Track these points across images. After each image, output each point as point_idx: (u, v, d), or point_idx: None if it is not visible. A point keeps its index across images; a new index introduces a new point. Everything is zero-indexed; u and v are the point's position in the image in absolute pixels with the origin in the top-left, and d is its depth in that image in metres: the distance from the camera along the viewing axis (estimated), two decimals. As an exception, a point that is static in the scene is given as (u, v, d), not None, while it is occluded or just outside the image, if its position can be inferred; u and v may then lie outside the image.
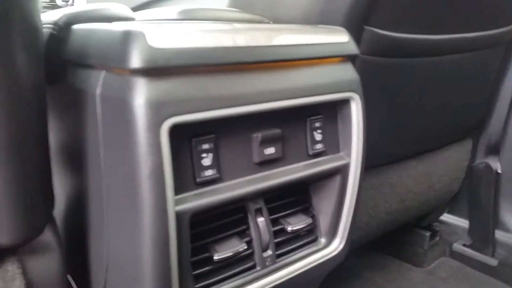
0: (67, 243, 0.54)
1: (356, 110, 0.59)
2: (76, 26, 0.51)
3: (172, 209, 0.42)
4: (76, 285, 0.58)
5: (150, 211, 0.41)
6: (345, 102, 0.58)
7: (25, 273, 0.48)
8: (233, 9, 0.75)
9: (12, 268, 0.48)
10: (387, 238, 1.26)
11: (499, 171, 1.26)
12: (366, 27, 0.72)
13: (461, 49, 0.92)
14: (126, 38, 0.40)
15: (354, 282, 1.22)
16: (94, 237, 0.51)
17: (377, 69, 0.78)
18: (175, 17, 0.68)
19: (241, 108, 0.45)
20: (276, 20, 0.73)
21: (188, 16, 0.68)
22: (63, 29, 0.52)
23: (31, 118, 0.44)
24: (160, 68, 0.40)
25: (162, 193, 0.41)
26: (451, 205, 1.38)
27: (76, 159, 0.50)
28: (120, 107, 0.41)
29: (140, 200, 0.41)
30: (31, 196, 0.45)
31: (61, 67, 0.51)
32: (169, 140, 0.41)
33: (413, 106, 0.94)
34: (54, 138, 0.53)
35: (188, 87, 0.42)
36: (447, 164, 1.20)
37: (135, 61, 0.39)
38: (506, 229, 1.29)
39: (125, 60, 0.39)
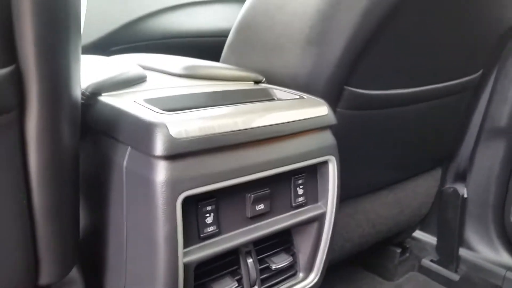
0: (86, 279, 0.64)
1: (333, 169, 0.70)
2: (102, 99, 0.61)
3: (181, 261, 0.53)
4: None
5: (164, 263, 0.52)
6: (324, 162, 0.69)
7: None
8: (230, 66, 0.85)
9: None
10: (361, 253, 1.37)
11: (465, 195, 1.38)
12: (346, 87, 0.83)
13: (431, 97, 1.04)
14: (153, 129, 0.50)
15: (328, 294, 1.34)
16: (112, 277, 0.61)
17: (355, 120, 0.89)
18: (180, 72, 0.78)
19: (239, 179, 0.57)
20: (268, 76, 0.84)
21: (192, 72, 0.78)
22: (90, 98, 0.62)
23: (70, 177, 0.54)
24: (178, 154, 0.51)
25: (174, 250, 0.52)
26: (423, 223, 1.50)
27: (100, 209, 0.61)
28: (144, 181, 0.51)
29: (157, 254, 0.52)
30: (66, 242, 0.56)
31: (86, 131, 0.61)
32: (181, 209, 0.52)
33: (387, 146, 1.05)
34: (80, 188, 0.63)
35: (198, 166, 0.53)
36: (417, 191, 1.32)
37: (159, 149, 0.49)
38: (469, 247, 1.41)
39: (151, 148, 0.50)
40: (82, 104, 0.60)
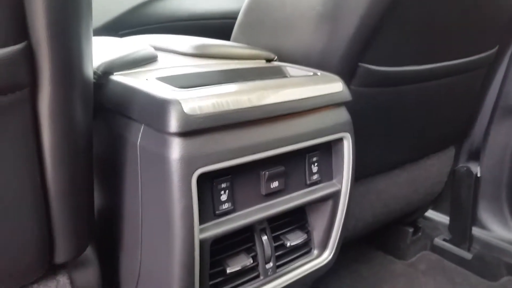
0: (101, 258, 0.65)
1: (347, 146, 0.69)
2: (114, 78, 0.61)
3: (197, 238, 0.53)
4: None
5: (180, 240, 0.52)
6: (339, 139, 0.69)
7: (72, 283, 0.59)
8: (241, 44, 0.84)
9: (63, 279, 0.59)
10: (374, 233, 1.37)
11: (479, 174, 1.37)
12: (360, 64, 0.81)
13: (446, 74, 1.02)
14: (166, 105, 0.50)
15: (340, 274, 1.35)
16: (128, 255, 0.62)
17: (370, 97, 0.88)
18: (191, 51, 0.77)
19: (253, 156, 0.56)
20: (280, 55, 0.83)
21: (203, 51, 0.77)
22: (101, 77, 0.62)
23: (84, 156, 0.54)
24: (192, 131, 0.50)
25: (190, 227, 0.52)
26: (435, 203, 1.49)
27: (115, 188, 0.61)
28: (158, 159, 0.51)
29: (173, 232, 0.52)
30: (81, 221, 0.56)
31: (99, 110, 0.61)
32: (196, 186, 0.51)
33: (401, 124, 1.04)
34: (94, 168, 0.63)
35: (212, 142, 0.52)
36: (430, 170, 1.31)
37: (173, 126, 0.49)
38: (482, 226, 1.40)
39: (165, 124, 0.49)
40: (94, 83, 0.60)
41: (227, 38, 0.95)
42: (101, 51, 0.67)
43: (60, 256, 0.55)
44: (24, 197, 0.48)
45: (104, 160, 0.62)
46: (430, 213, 1.52)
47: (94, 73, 0.62)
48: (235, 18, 0.93)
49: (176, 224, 0.51)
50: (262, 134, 0.57)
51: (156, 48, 0.76)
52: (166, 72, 0.63)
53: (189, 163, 0.50)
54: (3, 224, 0.48)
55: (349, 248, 1.45)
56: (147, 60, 0.68)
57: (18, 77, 0.42)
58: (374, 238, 1.49)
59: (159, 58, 0.72)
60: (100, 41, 0.76)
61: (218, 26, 1.42)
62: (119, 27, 1.25)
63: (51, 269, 0.58)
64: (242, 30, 0.91)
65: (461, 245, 1.42)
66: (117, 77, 0.61)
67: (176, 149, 0.50)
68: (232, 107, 0.54)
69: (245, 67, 0.72)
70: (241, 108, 0.54)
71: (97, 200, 0.63)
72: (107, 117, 0.61)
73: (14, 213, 0.49)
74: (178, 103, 0.50)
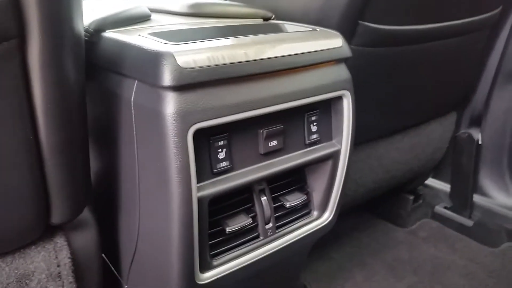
0: (99, 220, 0.64)
1: (347, 105, 0.68)
2: (106, 34, 0.59)
3: (195, 196, 0.52)
4: (106, 257, 0.68)
5: (178, 197, 0.51)
6: (339, 98, 0.67)
7: (69, 245, 0.59)
8: (237, 3, 0.82)
9: (60, 240, 0.58)
10: (374, 200, 1.37)
11: (480, 141, 1.36)
12: (360, 22, 0.79)
13: (448, 35, 0.99)
14: (159, 59, 0.48)
15: (342, 241, 1.36)
16: (126, 215, 0.61)
17: (370, 58, 0.86)
18: (185, 11, 0.75)
19: (251, 112, 0.55)
20: (277, 13, 0.81)
21: (197, 10, 0.75)
22: (93, 35, 0.60)
23: (77, 113, 0.52)
24: (187, 84, 0.49)
25: (188, 184, 0.51)
26: (436, 171, 1.49)
27: (111, 149, 0.60)
28: (153, 115, 0.50)
29: (170, 189, 0.51)
30: (77, 182, 0.55)
31: (92, 69, 0.59)
32: (193, 142, 0.50)
33: (403, 86, 1.02)
34: (90, 129, 0.62)
35: (208, 98, 0.51)
36: (431, 136, 1.30)
37: (167, 79, 0.47)
38: (483, 193, 1.40)
39: (158, 78, 0.48)
40: (86, 41, 0.58)
41: None
42: (93, 9, 0.65)
43: (57, 217, 0.55)
44: (17, 154, 0.47)
45: (98, 120, 0.61)
46: (431, 181, 1.51)
47: (86, 30, 0.60)
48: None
49: (174, 182, 0.50)
50: (260, 90, 0.56)
51: (151, 10, 0.74)
52: (159, 28, 0.61)
53: (184, 118, 0.49)
54: None
55: (350, 216, 1.46)
56: (140, 19, 0.66)
57: (5, 27, 0.41)
58: (375, 206, 1.49)
59: (152, 18, 0.70)
60: (97, 2, 0.74)
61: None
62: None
63: (48, 231, 0.57)
64: (238, -10, 0.88)
65: (462, 213, 1.42)
66: (109, 34, 0.59)
67: (170, 103, 0.48)
68: (228, 60, 0.52)
69: (241, 24, 0.70)
70: (237, 62, 0.53)
71: (93, 162, 0.62)
72: (99, 76, 0.59)
73: (7, 171, 0.48)
74: (171, 55, 0.48)
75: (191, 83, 0.49)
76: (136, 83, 0.52)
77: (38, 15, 0.42)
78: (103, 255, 0.67)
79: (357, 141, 0.74)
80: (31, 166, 0.49)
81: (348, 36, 0.78)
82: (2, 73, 0.43)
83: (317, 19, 0.76)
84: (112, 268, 0.71)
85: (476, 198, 1.40)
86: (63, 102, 0.48)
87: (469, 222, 1.40)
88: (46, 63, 0.45)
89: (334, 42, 0.65)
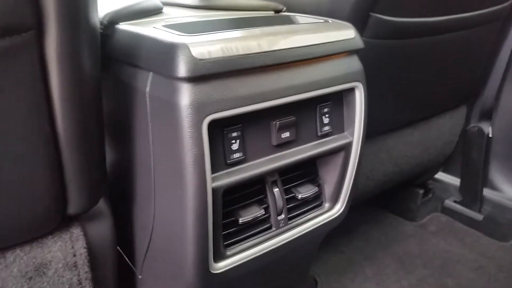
0: (114, 211, 0.65)
1: (359, 97, 0.68)
2: (120, 27, 0.59)
3: (210, 186, 0.53)
4: (120, 247, 0.69)
5: (193, 188, 0.52)
6: (351, 90, 0.67)
7: (85, 235, 0.60)
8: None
9: (76, 231, 0.59)
10: (384, 195, 1.37)
11: (490, 135, 1.35)
12: (372, 14, 0.79)
13: (459, 27, 0.99)
14: (174, 50, 0.48)
15: (352, 235, 1.36)
16: (141, 206, 0.62)
17: (381, 50, 0.86)
18: (197, 3, 0.76)
19: (264, 104, 0.55)
20: (289, 5, 0.81)
21: (209, 3, 0.76)
22: (107, 28, 0.60)
23: (93, 106, 0.53)
24: (201, 76, 0.49)
25: (202, 174, 0.52)
26: (445, 165, 1.49)
27: (126, 141, 0.60)
28: (168, 106, 0.50)
29: (186, 179, 0.51)
30: (92, 173, 0.56)
31: (106, 61, 0.60)
32: (207, 133, 0.51)
33: (413, 79, 1.02)
34: (105, 121, 0.62)
35: (222, 89, 0.51)
36: (441, 130, 1.30)
37: (182, 70, 0.48)
38: (493, 187, 1.40)
39: (173, 69, 0.48)
40: (101, 34, 0.59)
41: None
42: (107, 2, 0.66)
43: (73, 207, 0.55)
44: (35, 145, 0.48)
45: (114, 112, 0.62)
46: (440, 175, 1.51)
47: (100, 23, 0.61)
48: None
49: (189, 172, 0.51)
50: (273, 82, 0.56)
51: (163, 3, 0.75)
52: (172, 21, 0.61)
53: (199, 109, 0.49)
54: (15, 174, 0.48)
55: (360, 210, 1.46)
56: (152, 11, 0.67)
57: (23, 18, 0.41)
58: (385, 200, 1.49)
59: (164, 11, 0.71)
60: None
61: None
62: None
63: (65, 221, 0.58)
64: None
65: (472, 207, 1.42)
66: (123, 26, 0.59)
67: (185, 94, 0.49)
68: (242, 52, 0.52)
69: (253, 16, 0.70)
70: (250, 54, 0.53)
71: (109, 153, 0.63)
72: (114, 68, 0.60)
73: (25, 162, 0.48)
74: (186, 47, 0.49)
75: (205, 74, 0.49)
76: (151, 74, 0.53)
77: (55, 7, 0.43)
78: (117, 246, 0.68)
79: (367, 134, 0.74)
80: (49, 157, 0.50)
81: (360, 28, 0.78)
82: (20, 64, 0.44)
83: (329, 11, 0.76)
84: (126, 258, 0.72)
85: (486, 192, 1.40)
86: (79, 94, 0.49)
87: (479, 216, 1.40)
88: (63, 55, 0.45)
89: (346, 33, 0.65)
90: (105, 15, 0.61)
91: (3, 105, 0.44)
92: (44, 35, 0.44)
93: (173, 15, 0.68)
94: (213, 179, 0.54)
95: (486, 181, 1.40)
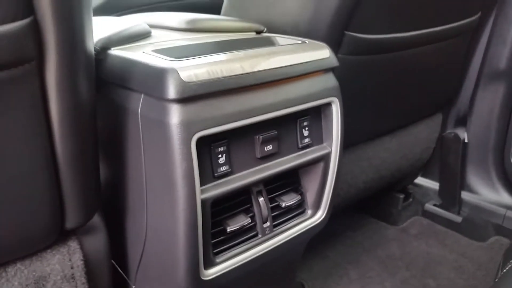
0: (107, 225, 0.69)
1: (336, 110, 0.73)
2: (112, 52, 0.64)
3: (199, 198, 0.57)
4: (114, 259, 0.73)
5: (184, 200, 0.56)
6: (328, 104, 0.72)
7: (82, 248, 0.63)
8: (231, 18, 0.87)
9: (73, 244, 0.63)
10: (366, 200, 1.42)
11: (466, 140, 1.42)
12: (346, 32, 0.85)
13: (430, 41, 1.05)
14: (164, 74, 0.53)
15: (336, 239, 1.40)
16: (134, 219, 0.66)
17: (357, 66, 0.92)
18: (182, 26, 0.80)
19: (248, 120, 0.60)
20: (269, 26, 0.86)
21: (194, 26, 0.80)
22: (100, 53, 0.65)
23: (88, 126, 0.57)
24: (189, 97, 0.54)
25: (192, 187, 0.56)
26: (425, 170, 1.54)
27: (119, 158, 0.64)
28: (159, 125, 0.55)
29: (176, 192, 0.56)
30: (89, 188, 0.60)
31: (100, 84, 0.64)
32: (196, 149, 0.55)
33: (389, 91, 1.08)
34: (99, 139, 0.66)
35: (209, 108, 0.56)
36: (418, 137, 1.36)
37: (172, 92, 0.52)
38: (470, 190, 1.46)
39: (164, 91, 0.53)
40: (94, 59, 0.63)
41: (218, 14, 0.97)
42: (98, 28, 0.70)
43: (71, 221, 0.59)
44: (36, 165, 0.52)
45: (107, 131, 0.66)
46: (420, 180, 1.57)
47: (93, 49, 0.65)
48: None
49: (179, 185, 0.55)
50: (255, 100, 0.61)
51: (150, 25, 0.79)
52: (160, 45, 0.66)
53: (188, 127, 0.54)
54: (18, 192, 0.52)
55: (343, 216, 1.51)
56: (141, 36, 0.71)
57: (26, 50, 0.45)
58: (367, 206, 1.54)
59: (152, 34, 0.75)
60: (97, 20, 0.78)
61: (208, 4, 1.44)
62: (113, 8, 1.27)
63: (63, 235, 0.62)
64: (232, 4, 0.93)
65: (451, 209, 1.48)
66: (115, 51, 0.64)
67: (175, 114, 0.53)
68: (226, 74, 0.57)
69: (236, 38, 0.75)
70: (234, 75, 0.58)
71: (102, 169, 0.67)
72: (107, 90, 0.64)
73: (27, 181, 0.52)
74: (175, 71, 0.53)
75: (193, 95, 0.54)
76: (142, 96, 0.57)
77: (55, 38, 0.47)
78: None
79: (347, 144, 0.79)
80: (48, 175, 0.54)
81: (335, 46, 0.83)
82: (22, 93, 0.48)
83: (306, 31, 0.81)
84: (119, 269, 0.75)
85: (464, 195, 1.46)
86: (76, 116, 0.53)
87: (458, 218, 1.46)
88: (62, 81, 0.50)
89: (321, 53, 0.70)
90: (98, 41, 0.65)
91: (6, 128, 0.48)
92: (45, 64, 0.48)
93: (160, 38, 0.73)
94: (202, 191, 0.58)
95: (463, 185, 1.46)
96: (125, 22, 0.75)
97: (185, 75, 0.53)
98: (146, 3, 1.35)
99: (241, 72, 0.58)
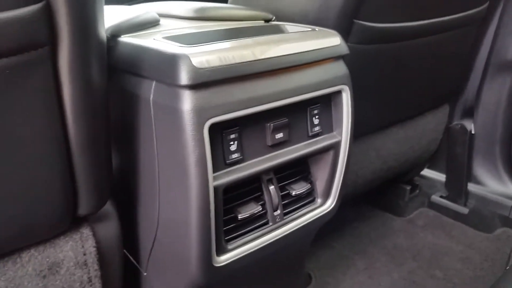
0: (120, 212, 0.69)
1: (346, 98, 0.73)
2: (123, 39, 0.64)
3: (211, 185, 0.57)
4: (126, 247, 0.73)
5: (196, 187, 0.56)
6: (338, 92, 0.72)
7: (94, 235, 0.64)
8: (239, 6, 0.87)
9: (86, 231, 0.63)
10: (373, 192, 1.42)
11: (473, 131, 1.41)
12: (355, 21, 0.84)
13: (438, 31, 1.05)
14: (176, 60, 0.53)
15: (343, 230, 1.41)
16: (146, 207, 0.66)
17: (366, 55, 0.91)
18: (191, 15, 0.80)
19: (259, 107, 0.60)
20: (278, 15, 0.86)
21: (202, 14, 0.80)
22: (110, 40, 0.65)
23: (100, 112, 0.57)
24: (201, 83, 0.54)
25: (204, 174, 0.56)
26: (431, 162, 1.54)
27: (131, 145, 0.65)
28: (171, 111, 0.55)
29: (189, 180, 0.56)
30: (101, 175, 0.60)
31: (111, 72, 0.64)
32: (208, 135, 0.55)
33: (397, 81, 1.08)
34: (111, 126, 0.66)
35: (221, 94, 0.56)
36: (426, 128, 1.35)
37: (184, 79, 0.52)
38: (477, 182, 1.45)
39: (176, 78, 0.53)
40: (104, 46, 0.63)
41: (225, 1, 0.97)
42: (108, 17, 0.70)
43: (83, 208, 0.59)
44: (50, 150, 0.52)
45: (119, 118, 0.66)
46: (427, 172, 1.56)
47: (103, 36, 0.65)
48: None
49: (192, 172, 0.55)
50: (266, 87, 0.61)
51: (159, 14, 0.79)
52: (170, 32, 0.66)
53: (200, 113, 0.54)
54: (32, 178, 0.52)
55: (350, 207, 1.51)
56: (150, 23, 0.71)
57: (39, 35, 0.46)
58: (374, 197, 1.54)
59: (161, 22, 0.75)
60: (106, 9, 0.78)
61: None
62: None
63: (75, 222, 0.62)
64: (239, -6, 0.93)
65: (457, 201, 1.47)
66: (125, 38, 0.63)
67: (188, 100, 0.53)
68: (238, 60, 0.57)
69: (245, 26, 0.75)
70: (245, 62, 0.58)
71: (114, 157, 0.67)
72: (118, 78, 0.64)
73: (41, 167, 0.52)
74: (187, 57, 0.53)
75: (205, 81, 0.54)
76: (154, 83, 0.57)
77: (67, 23, 0.47)
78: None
79: (356, 134, 0.79)
80: (62, 161, 0.54)
81: (345, 35, 0.83)
82: (35, 77, 0.48)
83: (315, 20, 0.81)
84: (131, 257, 0.76)
85: (471, 186, 1.45)
86: (89, 102, 0.53)
87: (464, 210, 1.45)
88: (74, 67, 0.50)
89: (332, 40, 0.70)
90: (107, 28, 0.65)
91: (20, 114, 0.48)
92: (58, 49, 0.48)
93: (170, 26, 0.73)
94: (214, 178, 0.58)
95: (470, 176, 1.45)
96: (134, 11, 0.75)
97: (197, 61, 0.53)
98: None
99: (252, 58, 0.58)
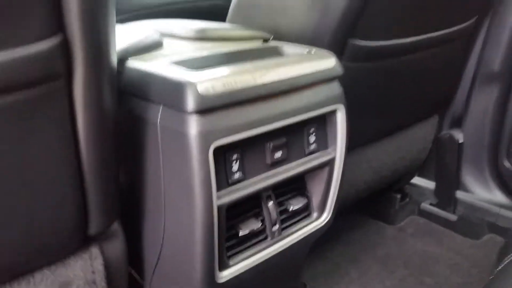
0: (126, 230, 0.71)
1: (341, 117, 0.77)
2: (130, 64, 0.66)
3: (215, 204, 0.60)
4: (130, 264, 0.75)
5: (201, 206, 0.59)
6: (333, 111, 0.76)
7: (103, 254, 0.66)
8: (238, 25, 0.90)
9: (95, 250, 0.65)
10: (364, 200, 1.45)
11: (461, 141, 1.45)
12: (349, 40, 0.88)
13: (429, 46, 1.08)
14: (183, 87, 0.56)
15: (335, 240, 1.43)
16: (151, 225, 0.69)
17: (359, 72, 0.95)
18: (192, 35, 0.83)
19: (260, 128, 0.63)
20: (275, 33, 0.89)
21: (203, 35, 0.83)
22: (118, 64, 0.67)
23: (110, 136, 0.59)
24: (207, 108, 0.57)
25: (209, 194, 0.59)
26: (421, 170, 1.57)
27: (138, 166, 0.67)
28: (178, 135, 0.58)
29: (194, 199, 0.59)
30: (110, 196, 0.62)
31: (119, 96, 0.66)
32: (213, 157, 0.58)
33: (389, 95, 1.11)
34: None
35: (224, 118, 0.59)
36: (416, 138, 1.39)
37: (191, 105, 0.55)
38: (465, 190, 1.49)
39: (183, 104, 0.56)
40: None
41: (217, 18, 0.99)
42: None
43: (93, 228, 0.62)
44: (64, 174, 0.54)
45: (126, 140, 0.68)
46: (416, 180, 1.59)
47: (111, 60, 0.67)
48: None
49: (197, 192, 0.58)
50: (266, 109, 0.64)
51: (161, 34, 0.81)
52: (175, 56, 0.68)
53: (206, 137, 0.57)
54: (47, 201, 0.54)
55: (343, 217, 1.53)
56: (155, 46, 0.74)
57: (56, 67, 0.48)
58: (365, 206, 1.57)
59: (164, 43, 0.78)
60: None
61: (207, 9, 1.46)
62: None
63: (85, 241, 0.64)
64: (238, 11, 0.96)
65: (446, 208, 1.51)
66: (133, 63, 0.66)
67: (194, 125, 0.56)
68: (240, 85, 0.60)
69: (245, 48, 0.78)
70: (247, 86, 0.61)
71: (121, 177, 0.69)
72: (126, 101, 0.66)
73: (55, 190, 0.55)
74: (193, 84, 0.56)
75: (210, 107, 0.57)
76: (161, 107, 0.60)
77: (83, 55, 0.49)
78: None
79: (349, 147, 0.82)
80: (75, 183, 0.56)
81: (339, 53, 0.86)
82: (52, 107, 0.50)
83: (311, 39, 0.84)
84: (135, 274, 0.78)
85: (459, 194, 1.49)
86: (101, 127, 0.56)
87: (453, 217, 1.49)
88: (88, 95, 0.52)
89: (327, 62, 0.73)
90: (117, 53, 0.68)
91: (36, 141, 0.51)
92: (73, 79, 0.50)
93: (173, 48, 0.75)
94: (218, 197, 0.61)
95: (459, 184, 1.49)
96: (138, 32, 0.78)
97: (202, 87, 0.56)
98: (145, 6, 1.37)
99: (253, 83, 0.61)
